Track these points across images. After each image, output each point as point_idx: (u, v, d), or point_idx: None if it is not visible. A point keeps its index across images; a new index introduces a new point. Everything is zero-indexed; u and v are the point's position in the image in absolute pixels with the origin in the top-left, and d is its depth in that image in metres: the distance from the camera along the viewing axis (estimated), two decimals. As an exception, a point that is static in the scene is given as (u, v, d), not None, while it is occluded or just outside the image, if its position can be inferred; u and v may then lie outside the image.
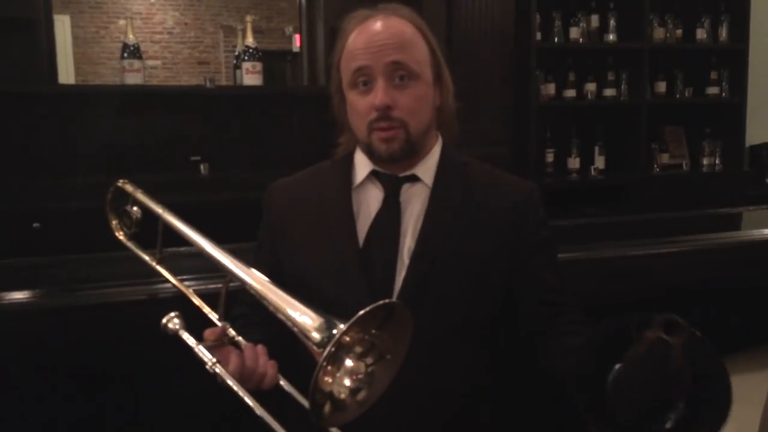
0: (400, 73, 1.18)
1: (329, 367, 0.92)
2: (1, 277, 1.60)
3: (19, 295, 1.43)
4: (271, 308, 1.00)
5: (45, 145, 3.37)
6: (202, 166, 3.59)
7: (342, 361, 0.94)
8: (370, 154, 1.23)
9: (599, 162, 4.05)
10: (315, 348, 0.92)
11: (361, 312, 0.88)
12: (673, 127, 4.34)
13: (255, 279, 1.05)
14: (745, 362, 1.79)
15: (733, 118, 4.23)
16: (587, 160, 4.06)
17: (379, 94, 1.16)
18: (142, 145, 3.44)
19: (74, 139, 3.41)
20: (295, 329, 0.96)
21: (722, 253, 1.89)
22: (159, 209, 1.28)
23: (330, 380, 0.93)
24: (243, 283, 1.06)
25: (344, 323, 0.89)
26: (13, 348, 1.42)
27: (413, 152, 1.23)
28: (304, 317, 0.96)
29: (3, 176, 3.23)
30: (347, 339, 0.92)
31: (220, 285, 1.15)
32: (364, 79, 1.19)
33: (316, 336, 0.92)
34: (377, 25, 1.20)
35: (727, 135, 4.27)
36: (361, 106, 1.20)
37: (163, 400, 1.55)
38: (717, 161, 4.29)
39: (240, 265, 1.09)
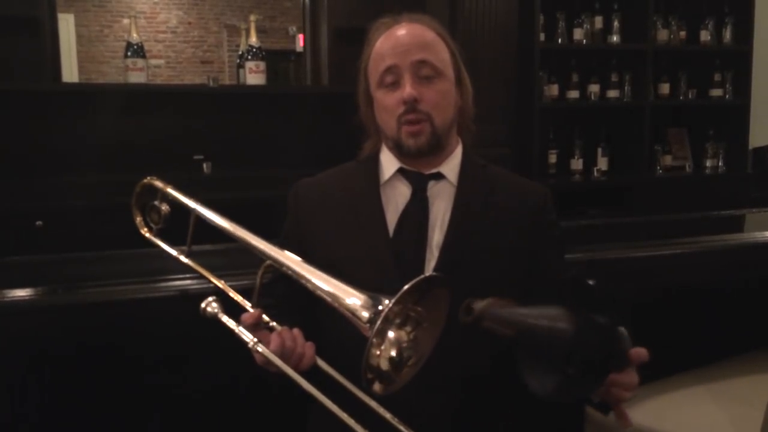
0: (425, 71, 1.26)
1: (377, 341, 1.00)
2: (4, 275, 1.61)
3: (22, 293, 1.43)
4: (316, 290, 1.09)
5: (48, 144, 3.38)
6: (205, 165, 3.60)
7: (386, 334, 1.02)
8: (399, 150, 1.30)
9: (602, 163, 4.04)
10: (362, 324, 1.00)
11: (406, 286, 0.97)
12: (676, 129, 4.34)
13: (298, 264, 1.13)
14: (748, 364, 1.79)
15: (737, 120, 4.22)
16: (590, 162, 4.06)
17: (406, 88, 1.25)
18: (145, 144, 3.45)
19: (77, 137, 3.42)
20: (343, 309, 1.03)
21: (725, 255, 1.89)
22: (192, 203, 1.32)
23: (378, 353, 1.01)
24: (287, 268, 1.14)
25: (389, 298, 0.97)
26: (16, 345, 1.43)
27: (439, 147, 1.31)
28: (350, 296, 1.04)
29: (6, 174, 3.24)
30: (392, 314, 1.00)
31: (242, 282, 1.24)
32: (392, 78, 1.27)
33: (364, 314, 1.00)
34: (402, 30, 1.30)
35: (731, 137, 4.26)
36: (389, 102, 1.28)
37: (166, 397, 1.55)
38: (720, 163, 4.28)
39: (282, 252, 1.16)
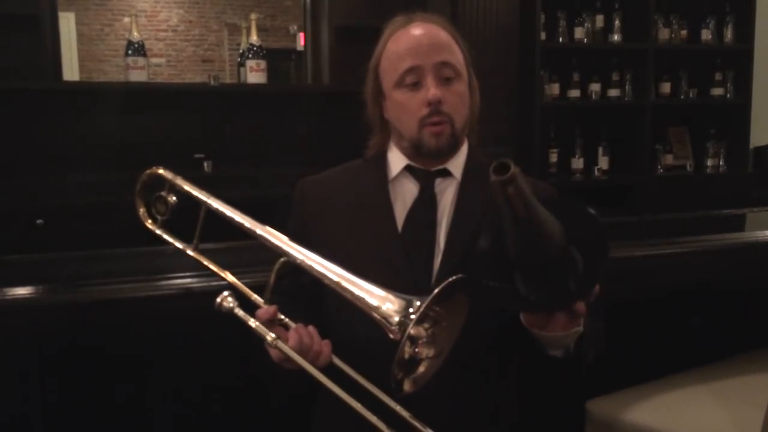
0: (446, 72, 1.26)
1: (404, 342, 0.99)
2: (5, 273, 1.60)
3: (22, 291, 1.43)
4: (339, 289, 1.08)
5: (49, 142, 3.38)
6: (205, 164, 3.60)
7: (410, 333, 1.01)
8: (417, 149, 1.29)
9: (603, 162, 4.04)
10: (390, 327, 1.00)
11: (437, 290, 0.97)
12: (677, 128, 4.34)
13: (317, 261, 1.12)
14: (748, 364, 1.79)
15: (738, 120, 4.22)
16: (591, 161, 4.06)
17: (431, 90, 1.24)
18: (145, 143, 3.45)
19: (78, 136, 3.42)
20: (370, 310, 1.03)
21: (726, 255, 1.89)
22: (203, 196, 1.29)
23: (404, 352, 1.00)
24: (306, 265, 1.13)
25: (421, 300, 0.97)
26: (17, 343, 1.43)
27: (456, 147, 1.31)
28: (380, 299, 1.03)
29: (7, 173, 3.24)
30: (422, 316, 0.99)
31: (246, 279, 1.23)
32: (413, 78, 1.26)
33: (395, 318, 1.00)
34: (419, 29, 1.28)
35: (732, 136, 4.26)
36: (411, 103, 1.27)
37: (167, 395, 1.55)
38: (721, 162, 4.28)
39: (299, 248, 1.15)
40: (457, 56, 1.29)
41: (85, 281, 1.53)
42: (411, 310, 0.99)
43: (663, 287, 1.81)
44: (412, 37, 1.27)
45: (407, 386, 1.01)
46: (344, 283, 1.08)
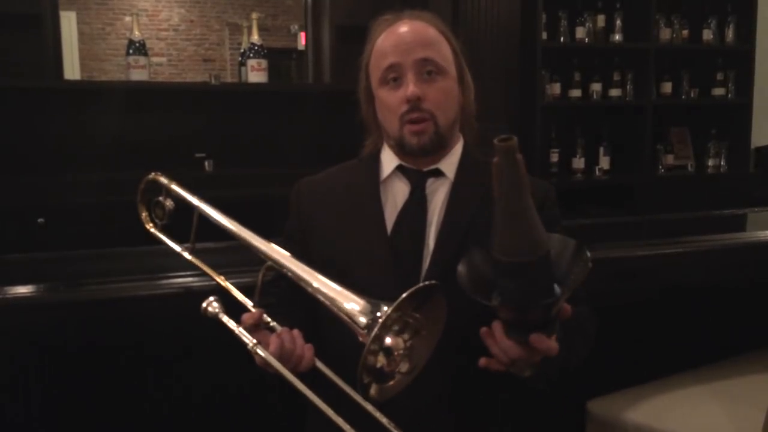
0: (428, 69, 1.25)
1: (374, 347, 1.00)
2: (5, 272, 1.61)
3: (23, 290, 1.43)
4: (315, 293, 1.09)
5: (50, 141, 3.38)
6: (206, 163, 3.60)
7: (383, 341, 1.01)
8: (401, 148, 1.29)
9: (604, 162, 4.04)
10: (360, 330, 1.00)
11: (405, 294, 0.97)
12: (678, 128, 4.33)
13: (298, 267, 1.13)
14: (748, 364, 1.79)
15: (739, 120, 4.22)
16: (592, 161, 4.06)
17: (410, 87, 1.23)
18: (146, 142, 3.45)
19: (79, 135, 3.42)
20: (341, 313, 1.04)
21: (727, 255, 1.89)
22: (195, 200, 1.32)
23: (375, 359, 1.01)
24: (286, 270, 1.14)
25: (388, 305, 0.97)
26: (17, 342, 1.43)
27: (441, 145, 1.29)
28: (349, 301, 1.04)
29: (8, 171, 3.24)
30: (390, 321, 0.99)
31: (245, 279, 1.24)
32: (394, 75, 1.26)
33: (362, 320, 1.00)
34: (404, 27, 1.28)
35: (733, 136, 4.26)
36: (392, 101, 1.26)
37: (167, 394, 1.55)
38: (722, 162, 4.28)
39: (282, 253, 1.16)
40: (442, 53, 1.27)
41: (86, 280, 1.53)
42: (378, 313, 0.99)
43: (664, 287, 1.81)
44: (397, 35, 1.27)
45: (374, 392, 1.01)
46: (317, 284, 1.09)
